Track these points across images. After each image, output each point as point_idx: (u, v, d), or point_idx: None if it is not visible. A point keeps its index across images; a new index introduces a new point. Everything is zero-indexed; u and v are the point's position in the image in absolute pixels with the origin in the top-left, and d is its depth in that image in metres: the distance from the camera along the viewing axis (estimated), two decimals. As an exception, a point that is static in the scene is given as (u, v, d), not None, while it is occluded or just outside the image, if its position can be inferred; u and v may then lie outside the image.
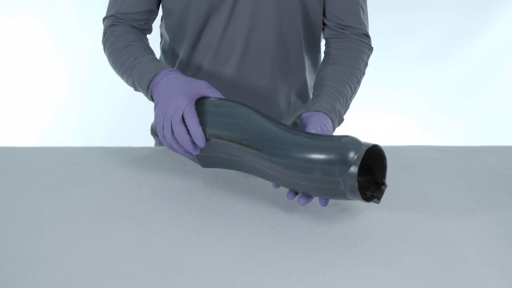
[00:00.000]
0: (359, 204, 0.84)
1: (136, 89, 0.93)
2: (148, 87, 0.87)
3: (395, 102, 2.57)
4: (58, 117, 2.55)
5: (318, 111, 0.86)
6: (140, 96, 1.04)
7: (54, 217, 0.80)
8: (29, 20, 2.42)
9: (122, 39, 0.98)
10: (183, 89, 0.80)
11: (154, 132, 0.95)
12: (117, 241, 0.74)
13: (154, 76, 0.86)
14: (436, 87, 2.59)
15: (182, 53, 1.07)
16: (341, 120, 0.91)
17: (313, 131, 0.80)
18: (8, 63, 2.48)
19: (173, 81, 0.83)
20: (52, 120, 2.55)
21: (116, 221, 0.79)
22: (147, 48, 0.97)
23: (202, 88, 0.81)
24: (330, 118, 0.86)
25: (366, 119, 2.52)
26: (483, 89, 2.60)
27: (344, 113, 0.94)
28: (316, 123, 0.82)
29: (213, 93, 0.81)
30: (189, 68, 1.08)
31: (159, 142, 1.21)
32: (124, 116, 2.48)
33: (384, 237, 0.76)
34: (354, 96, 0.98)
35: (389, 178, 0.93)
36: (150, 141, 1.25)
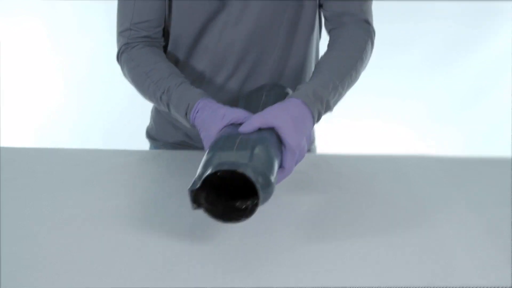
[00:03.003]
0: (358, 215, 0.84)
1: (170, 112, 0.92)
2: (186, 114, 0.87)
3: (395, 110, 2.57)
4: (55, 118, 2.54)
5: (291, 98, 0.82)
6: (137, 100, 1.04)
7: (53, 219, 0.79)
8: (28, 20, 2.42)
9: (143, 63, 0.95)
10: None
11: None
12: (115, 244, 0.73)
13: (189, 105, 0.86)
14: (436, 96, 2.60)
15: (180, 57, 1.06)
16: (327, 106, 0.85)
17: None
18: (7, 63, 2.47)
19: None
20: (48, 122, 2.54)
21: (115, 224, 0.78)
22: (170, 70, 0.94)
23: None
24: (305, 103, 0.81)
25: (366, 126, 2.52)
26: (483, 99, 2.60)
27: (338, 97, 0.88)
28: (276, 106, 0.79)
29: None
30: (186, 71, 1.07)
31: (154, 146, 1.21)
32: (121, 119, 2.48)
33: (381, 247, 0.75)
34: (350, 82, 0.91)
35: (387, 189, 0.92)
36: (145, 145, 1.25)
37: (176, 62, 1.07)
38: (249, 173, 0.65)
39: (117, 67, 1.03)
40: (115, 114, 2.50)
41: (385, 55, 2.28)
